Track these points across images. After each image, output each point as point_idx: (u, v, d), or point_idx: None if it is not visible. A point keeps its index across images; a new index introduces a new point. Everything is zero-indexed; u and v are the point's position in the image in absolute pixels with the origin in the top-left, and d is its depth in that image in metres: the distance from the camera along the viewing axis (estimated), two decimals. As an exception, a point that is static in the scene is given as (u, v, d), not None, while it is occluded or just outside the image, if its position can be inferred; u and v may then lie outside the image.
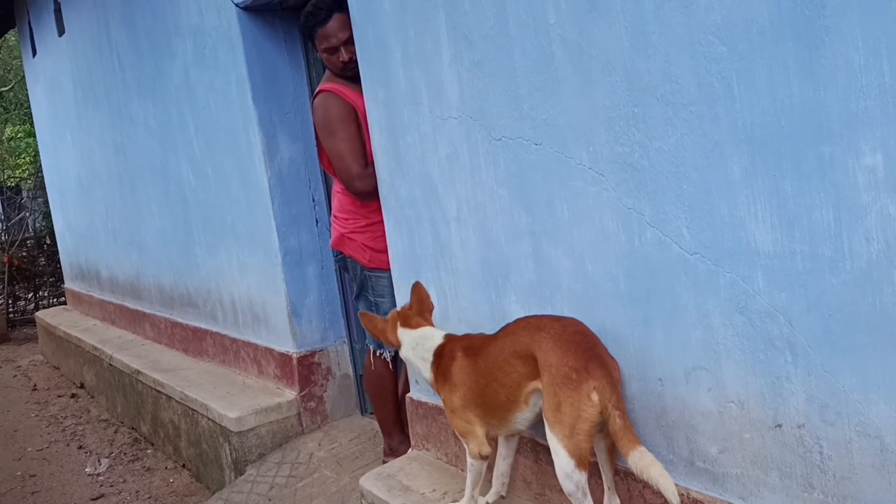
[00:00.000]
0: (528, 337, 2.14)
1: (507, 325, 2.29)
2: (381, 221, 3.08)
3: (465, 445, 2.42)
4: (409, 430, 3.19)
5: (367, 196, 3.09)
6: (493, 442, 2.46)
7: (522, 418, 2.25)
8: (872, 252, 1.58)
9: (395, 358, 3.27)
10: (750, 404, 1.88)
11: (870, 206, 1.56)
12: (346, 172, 3.06)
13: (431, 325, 2.52)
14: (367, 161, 3.07)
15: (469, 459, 2.42)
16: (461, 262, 2.70)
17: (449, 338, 2.45)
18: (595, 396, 1.98)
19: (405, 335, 2.49)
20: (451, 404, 2.38)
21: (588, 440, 2.01)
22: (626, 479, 2.22)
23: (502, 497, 2.57)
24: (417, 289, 2.55)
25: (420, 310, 2.52)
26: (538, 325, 2.15)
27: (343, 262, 3.33)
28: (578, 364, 2.00)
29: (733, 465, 1.94)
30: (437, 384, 2.43)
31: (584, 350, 2.03)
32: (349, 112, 3.08)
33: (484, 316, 2.61)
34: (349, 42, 3.03)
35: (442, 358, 2.41)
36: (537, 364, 2.09)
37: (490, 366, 2.24)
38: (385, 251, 3.10)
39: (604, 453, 2.16)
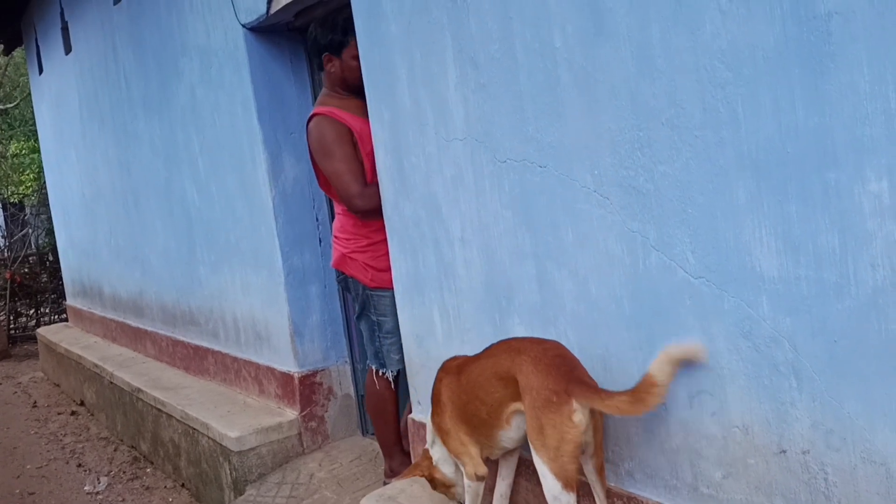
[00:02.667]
0: (509, 360, 2.17)
1: (490, 347, 2.33)
2: (383, 241, 3.09)
3: (462, 467, 2.43)
4: (411, 451, 3.18)
5: (368, 215, 3.10)
6: (490, 464, 2.46)
7: (508, 437, 2.28)
8: (878, 278, 1.58)
9: (397, 378, 3.26)
10: (754, 429, 1.87)
11: (875, 232, 1.57)
12: (346, 192, 3.08)
13: None
14: (366, 180, 3.09)
15: (466, 481, 2.43)
16: (465, 282, 2.70)
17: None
18: (576, 417, 1.99)
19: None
20: (443, 427, 2.42)
21: (573, 461, 2.03)
22: (627, 502, 2.20)
23: None
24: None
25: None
26: (519, 349, 2.18)
27: (345, 283, 3.33)
28: (559, 387, 2.02)
29: (737, 491, 1.93)
30: (433, 417, 2.50)
31: (565, 373, 2.06)
32: (345, 133, 3.10)
33: (487, 337, 2.60)
34: None
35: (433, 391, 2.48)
36: (518, 386, 2.11)
37: (472, 384, 2.28)
38: (387, 270, 3.11)
39: (593, 473, 2.17)
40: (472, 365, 2.31)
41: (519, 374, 2.11)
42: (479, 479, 2.40)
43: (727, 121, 1.79)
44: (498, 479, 2.53)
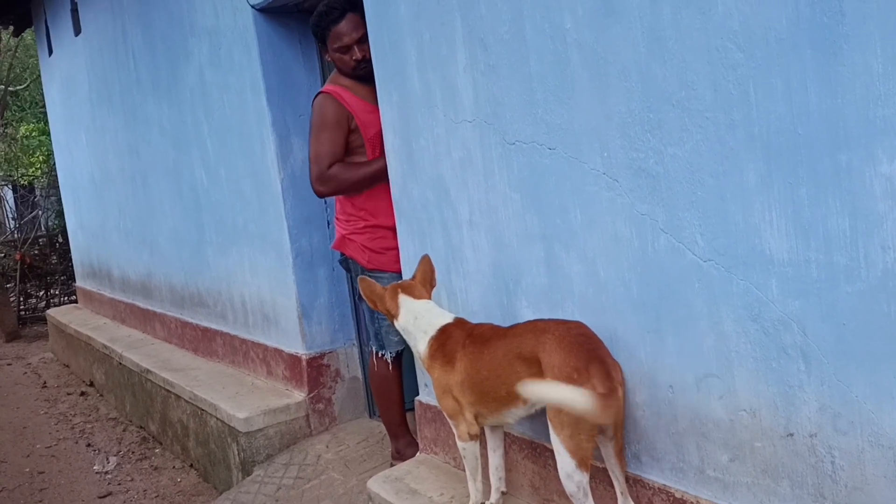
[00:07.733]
0: (534, 339, 2.17)
1: (517, 326, 2.32)
2: (382, 225, 3.11)
3: (454, 428, 2.46)
4: (418, 433, 3.18)
5: (325, 196, 3.25)
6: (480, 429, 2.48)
7: (516, 413, 2.30)
8: (888, 261, 1.57)
9: (399, 359, 3.26)
10: (762, 413, 1.86)
11: (886, 214, 1.56)
12: (312, 173, 3.14)
13: (430, 299, 2.55)
14: (338, 162, 3.11)
15: (459, 444, 2.45)
16: (473, 265, 2.70)
17: (459, 321, 2.48)
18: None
19: (406, 302, 2.50)
20: (444, 384, 2.41)
21: (590, 440, 2.03)
22: (634, 485, 2.21)
23: (503, 493, 2.57)
24: (425, 261, 2.58)
25: (423, 281, 2.55)
26: (544, 328, 2.19)
27: (345, 263, 3.34)
28: (580, 364, 2.03)
29: (744, 474, 1.93)
30: (431, 360, 2.45)
31: (587, 351, 2.06)
32: (341, 116, 3.09)
33: (495, 320, 2.60)
34: (362, 41, 3.05)
35: (446, 337, 2.42)
36: (541, 367, 2.11)
37: (494, 362, 2.27)
38: (384, 252, 3.13)
39: (612, 458, 2.16)
40: (497, 342, 2.29)
41: (542, 353, 2.11)
42: (473, 438, 2.43)
43: (738, 102, 1.78)
44: (489, 452, 2.54)
